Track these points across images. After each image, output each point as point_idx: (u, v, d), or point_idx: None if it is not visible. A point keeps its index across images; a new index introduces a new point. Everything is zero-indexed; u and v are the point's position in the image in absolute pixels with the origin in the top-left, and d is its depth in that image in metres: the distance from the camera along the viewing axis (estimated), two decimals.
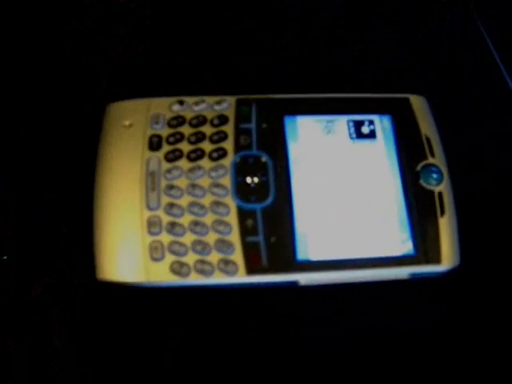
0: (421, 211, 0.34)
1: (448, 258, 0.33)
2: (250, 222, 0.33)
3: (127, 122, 0.35)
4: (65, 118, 0.37)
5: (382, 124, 0.36)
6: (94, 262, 0.32)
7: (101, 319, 0.33)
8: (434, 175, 0.35)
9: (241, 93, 0.36)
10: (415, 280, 0.33)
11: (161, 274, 0.32)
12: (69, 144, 0.36)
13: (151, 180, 0.33)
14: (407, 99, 0.37)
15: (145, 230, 0.32)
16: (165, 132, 0.35)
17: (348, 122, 0.36)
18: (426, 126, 0.36)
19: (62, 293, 0.33)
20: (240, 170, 0.34)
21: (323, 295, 0.33)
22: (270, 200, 0.33)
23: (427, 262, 0.33)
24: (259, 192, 0.33)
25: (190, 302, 0.33)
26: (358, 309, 0.34)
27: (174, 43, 0.40)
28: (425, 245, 0.33)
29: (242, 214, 0.33)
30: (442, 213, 0.34)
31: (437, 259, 0.33)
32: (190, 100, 0.36)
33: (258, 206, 0.33)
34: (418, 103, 0.37)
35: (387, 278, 0.33)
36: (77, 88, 0.38)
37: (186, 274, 0.32)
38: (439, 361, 0.33)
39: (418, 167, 0.35)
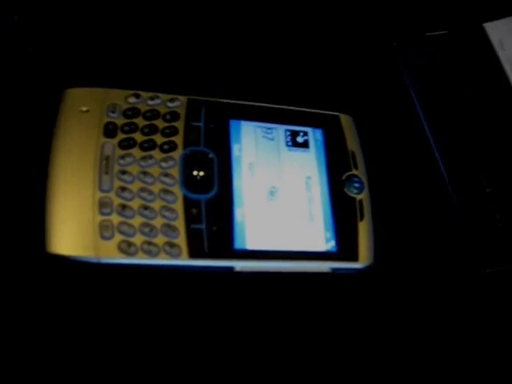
0: (343, 215, 0.39)
1: (364, 257, 0.38)
2: (194, 210, 0.36)
3: (84, 108, 0.37)
4: (20, 102, 0.38)
5: (314, 136, 0.41)
6: (46, 236, 0.33)
7: (48, 291, 0.34)
8: (356, 185, 0.40)
9: (192, 93, 0.39)
10: (335, 275, 0.38)
11: (109, 251, 0.33)
12: (25, 126, 0.37)
13: (105, 164, 0.35)
14: (337, 116, 0.42)
15: (96, 210, 0.34)
16: (120, 121, 0.37)
17: (285, 130, 0.40)
18: (352, 142, 0.41)
19: (11, 264, 0.34)
20: (188, 163, 0.37)
21: (255, 282, 0.37)
22: (213, 192, 0.37)
23: (346, 259, 0.38)
24: (204, 184, 0.37)
25: (134, 281, 0.35)
26: (284, 296, 0.38)
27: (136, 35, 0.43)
28: (345, 244, 0.38)
29: (188, 203, 0.36)
30: (362, 218, 0.39)
31: (355, 257, 0.38)
32: (145, 94, 0.38)
33: (202, 197, 0.36)
34: (346, 121, 0.42)
35: (312, 270, 0.37)
36: (32, 73, 0.39)
37: (133, 253, 0.34)
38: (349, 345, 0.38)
39: (343, 177, 0.40)
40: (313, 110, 0.42)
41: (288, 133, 0.40)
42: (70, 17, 0.42)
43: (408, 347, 0.38)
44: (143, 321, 0.35)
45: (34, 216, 0.34)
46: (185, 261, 0.35)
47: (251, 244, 0.36)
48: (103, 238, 0.34)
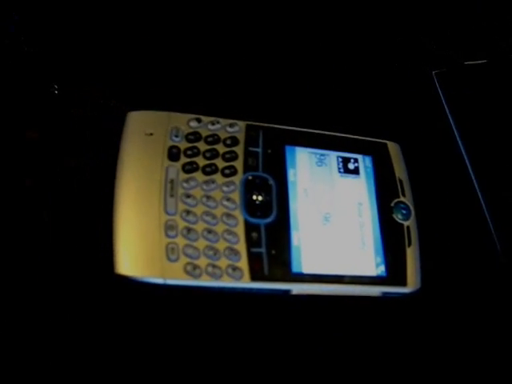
0: (392, 240, 0.40)
1: (412, 282, 0.39)
2: (254, 234, 0.37)
3: (149, 131, 0.38)
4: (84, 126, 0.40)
5: (364, 163, 0.42)
6: (114, 257, 0.34)
7: (115, 312, 0.35)
8: (404, 211, 0.41)
9: (249, 118, 0.41)
10: (384, 298, 0.39)
11: (175, 273, 0.35)
12: (90, 149, 0.39)
13: (170, 187, 0.37)
14: (385, 144, 0.43)
15: (162, 232, 0.35)
16: (183, 145, 0.38)
17: (337, 157, 0.42)
18: (400, 170, 0.43)
19: (82, 285, 0.35)
20: (248, 188, 0.38)
21: (308, 304, 0.38)
22: (272, 217, 0.38)
23: (396, 283, 0.39)
24: (263, 209, 0.38)
25: (197, 302, 0.37)
26: (335, 318, 0.39)
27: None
28: (394, 269, 0.39)
29: (248, 227, 0.37)
30: (409, 243, 0.40)
31: (403, 282, 0.39)
32: (206, 119, 0.40)
33: (262, 222, 0.37)
34: (393, 149, 0.43)
35: (363, 294, 0.39)
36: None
37: (198, 276, 0.35)
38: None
39: (392, 203, 0.41)
40: (362, 138, 0.43)
41: (340, 159, 0.42)
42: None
43: (453, 371, 0.40)
44: (203, 340, 0.36)
45: (103, 238, 0.35)
46: (246, 283, 0.36)
47: (307, 268, 0.38)
48: (169, 259, 0.35)
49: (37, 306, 0.34)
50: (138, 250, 0.35)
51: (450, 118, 0.47)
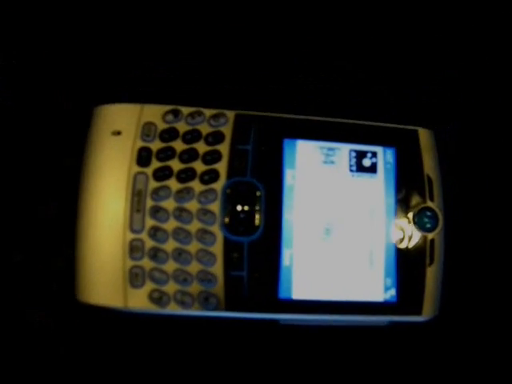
0: (410, 257, 0.33)
1: (429, 310, 0.33)
2: (235, 255, 0.32)
3: (116, 129, 0.32)
4: (49, 119, 0.34)
5: (384, 157, 0.34)
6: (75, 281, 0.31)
7: (76, 339, 0.33)
8: (430, 220, 0.34)
9: (240, 106, 0.34)
10: (393, 326, 0.33)
11: (139, 302, 0.31)
12: (53, 150, 0.34)
13: (137, 200, 0.31)
14: (415, 131, 0.35)
15: (126, 254, 0.31)
16: (155, 146, 0.32)
17: (350, 151, 0.34)
18: (430, 165, 0.34)
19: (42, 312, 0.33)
20: (231, 198, 0.32)
21: (300, 334, 0.33)
22: (258, 233, 0.32)
23: (408, 312, 0.33)
24: (248, 223, 0.32)
25: (163, 329, 0.33)
26: (335, 351, 0.34)
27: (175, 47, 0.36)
28: (408, 294, 0.33)
29: (228, 246, 0.32)
30: (431, 262, 0.33)
31: (418, 310, 0.33)
32: (185, 110, 0.33)
33: (245, 239, 0.32)
34: (425, 137, 0.35)
35: (365, 324, 0.33)
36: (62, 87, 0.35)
37: (165, 304, 0.31)
38: None
39: (414, 210, 0.34)
40: (384, 124, 0.35)
41: (353, 154, 0.34)
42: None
43: None
44: (171, 373, 0.33)
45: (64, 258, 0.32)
46: (221, 313, 0.31)
47: (298, 293, 0.32)
48: (133, 285, 0.31)
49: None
50: (98, 274, 0.31)
51: None
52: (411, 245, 0.33)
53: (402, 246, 0.33)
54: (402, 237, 0.33)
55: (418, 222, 0.33)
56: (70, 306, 0.31)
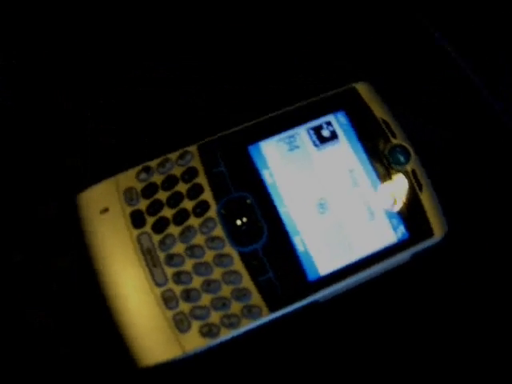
0: (402, 193, 0.36)
1: (438, 229, 0.35)
2: (255, 262, 0.34)
3: (102, 208, 0.35)
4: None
5: (338, 122, 0.37)
6: (130, 353, 0.33)
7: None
8: (402, 155, 0.36)
9: (198, 139, 0.36)
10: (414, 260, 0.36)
11: (194, 342, 0.32)
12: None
13: (150, 257, 0.34)
14: (353, 88, 0.38)
15: (163, 307, 0.33)
16: (142, 205, 0.35)
17: (308, 130, 0.37)
18: (380, 110, 0.37)
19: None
20: (227, 217, 0.35)
21: (340, 305, 0.35)
22: (265, 236, 0.34)
23: (422, 238, 0.35)
24: (253, 231, 0.34)
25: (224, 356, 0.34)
26: (373, 304, 0.36)
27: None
28: (414, 224, 0.35)
29: (246, 258, 0.34)
30: (420, 188, 0.36)
31: (429, 233, 0.35)
32: (153, 163, 0.35)
33: (257, 246, 0.34)
34: (364, 90, 0.38)
35: (393, 266, 0.35)
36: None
37: (217, 333, 0.33)
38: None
39: (386, 152, 0.36)
40: (323, 95, 0.37)
41: (311, 131, 0.37)
42: None
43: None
44: None
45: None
46: (267, 317, 0.33)
47: (323, 269, 0.34)
48: (182, 331, 0.33)
49: None
50: (147, 337, 0.32)
51: None
52: (398, 183, 0.36)
53: (392, 186, 0.36)
54: (387, 179, 0.36)
55: (393, 160, 0.36)
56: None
